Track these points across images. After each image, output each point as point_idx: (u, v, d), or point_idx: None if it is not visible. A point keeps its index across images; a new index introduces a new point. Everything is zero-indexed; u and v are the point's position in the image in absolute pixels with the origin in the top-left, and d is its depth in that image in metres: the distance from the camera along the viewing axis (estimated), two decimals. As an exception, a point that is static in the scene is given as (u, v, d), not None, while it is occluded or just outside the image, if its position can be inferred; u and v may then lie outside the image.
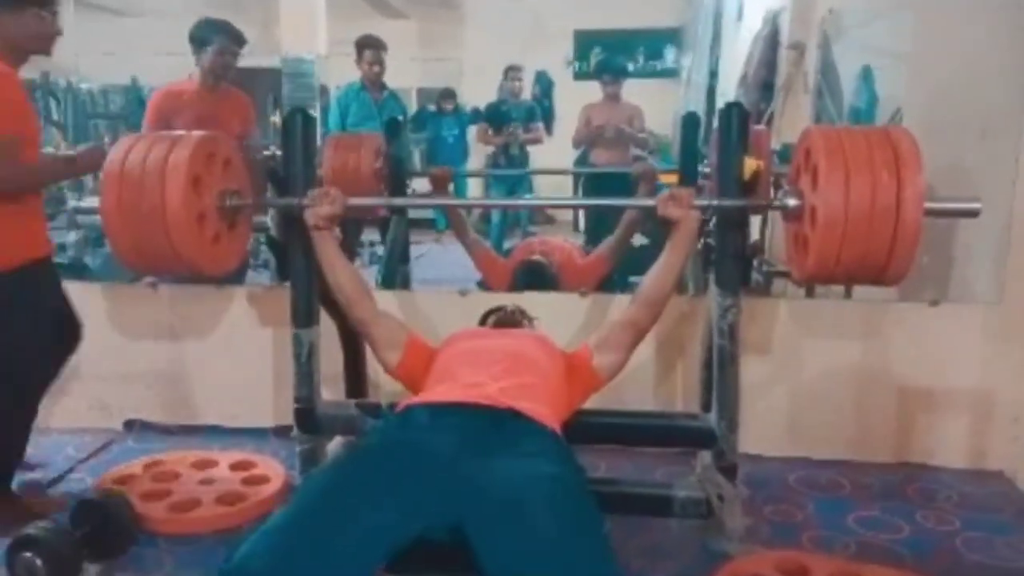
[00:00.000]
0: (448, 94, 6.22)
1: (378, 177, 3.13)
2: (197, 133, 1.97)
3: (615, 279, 3.27)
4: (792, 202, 1.90)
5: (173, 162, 1.86)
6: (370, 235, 3.97)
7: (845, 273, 1.80)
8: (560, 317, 2.70)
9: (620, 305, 2.84)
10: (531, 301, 2.58)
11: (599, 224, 3.95)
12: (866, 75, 3.92)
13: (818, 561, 2.05)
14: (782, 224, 2.06)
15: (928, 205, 1.70)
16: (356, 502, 1.44)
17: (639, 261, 3.27)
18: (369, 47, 4.10)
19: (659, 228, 2.12)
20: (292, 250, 2.24)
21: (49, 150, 2.61)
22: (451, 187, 3.76)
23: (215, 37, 3.16)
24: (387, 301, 3.00)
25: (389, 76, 4.27)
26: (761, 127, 4.21)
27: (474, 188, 5.19)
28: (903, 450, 2.78)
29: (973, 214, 1.84)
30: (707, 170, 3.14)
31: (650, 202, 2.02)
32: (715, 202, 2.07)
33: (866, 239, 1.71)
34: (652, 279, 1.99)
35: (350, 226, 3.54)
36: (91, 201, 1.99)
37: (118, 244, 1.91)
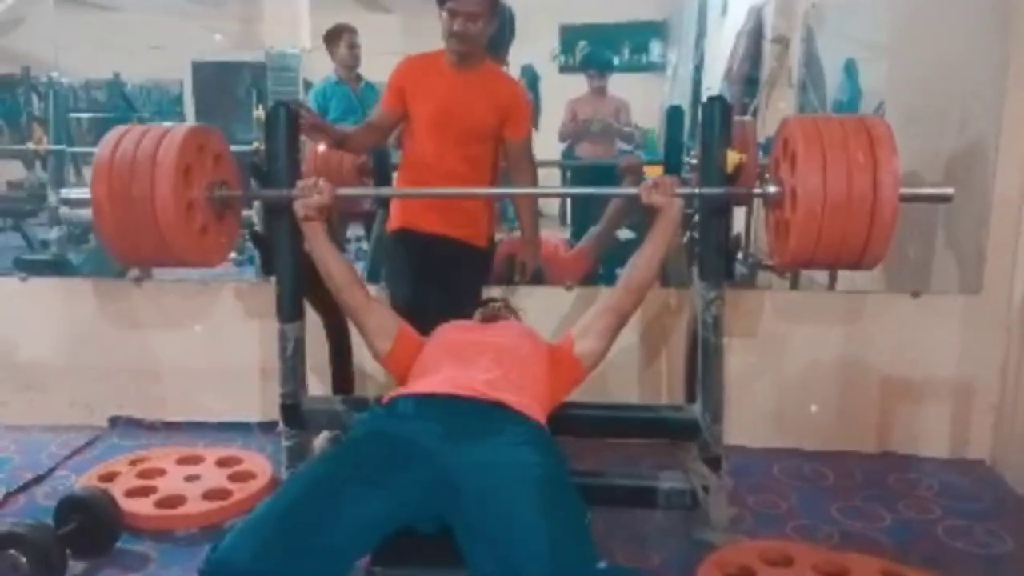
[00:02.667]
0: None
1: (362, 171, 3.12)
2: (187, 124, 1.97)
3: (601, 273, 3.28)
4: (772, 189, 1.94)
5: (163, 151, 1.86)
6: (355, 230, 3.96)
7: (825, 256, 1.83)
8: (546, 310, 2.71)
9: (602, 296, 2.86)
10: (517, 294, 2.59)
11: (586, 217, 3.95)
12: (849, 68, 3.94)
13: (802, 550, 2.08)
14: (764, 215, 2.08)
15: (903, 191, 1.75)
16: (340, 493, 1.45)
17: (625, 255, 3.29)
18: (346, 31, 4.05)
19: (644, 220, 2.13)
20: (277, 245, 2.24)
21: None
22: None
23: None
24: (372, 293, 3.01)
25: (374, 70, 4.23)
26: (747, 118, 4.23)
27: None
28: (885, 440, 2.81)
29: (946, 199, 1.91)
30: (693, 162, 3.16)
31: (634, 191, 2.04)
32: (698, 190, 2.09)
33: (844, 221, 1.76)
34: (635, 265, 2.01)
35: (335, 220, 3.53)
36: (80, 192, 1.97)
37: (107, 233, 1.91)
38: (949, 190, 1.89)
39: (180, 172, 1.88)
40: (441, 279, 2.48)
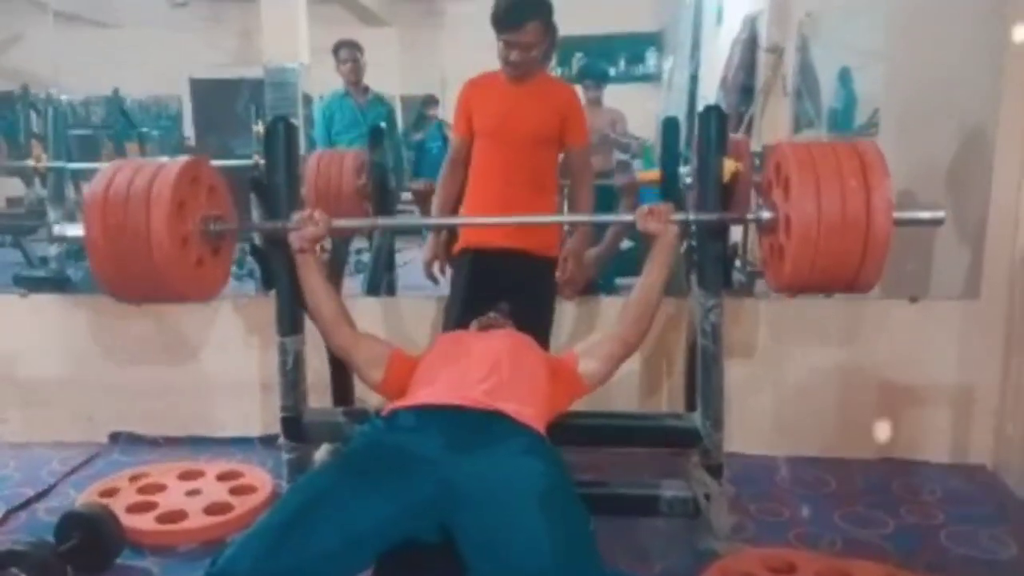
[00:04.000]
0: (431, 101, 6.20)
1: (361, 194, 3.12)
2: (180, 159, 1.97)
3: (600, 283, 3.29)
4: (766, 215, 1.95)
5: (158, 187, 1.85)
6: (358, 242, 3.97)
7: (820, 280, 1.85)
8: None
9: (606, 307, 2.87)
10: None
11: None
12: (844, 77, 3.97)
13: (805, 558, 2.07)
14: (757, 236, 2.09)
15: (896, 215, 1.77)
16: (342, 505, 1.44)
17: (625, 263, 3.30)
18: (344, 47, 4.09)
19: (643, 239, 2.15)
20: (276, 260, 2.24)
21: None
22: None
23: None
24: (372, 307, 3.01)
25: (372, 83, 4.26)
26: (740, 136, 4.24)
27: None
28: (886, 446, 2.81)
29: (938, 223, 1.94)
30: (688, 175, 3.17)
31: (629, 217, 2.06)
32: (693, 216, 2.12)
33: (839, 245, 1.77)
34: (637, 296, 2.02)
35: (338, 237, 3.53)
36: (74, 229, 1.96)
37: (101, 270, 1.90)
38: (940, 213, 1.92)
39: (175, 207, 1.87)
40: (515, 298, 2.30)
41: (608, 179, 3.78)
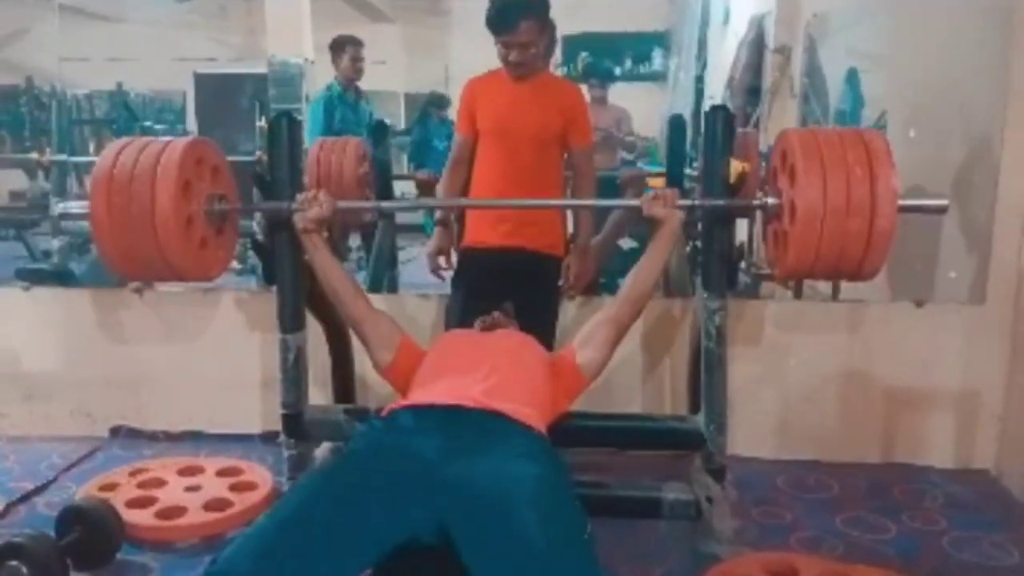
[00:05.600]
0: (438, 100, 6.15)
1: (363, 183, 3.11)
2: (185, 138, 1.97)
3: (603, 282, 3.27)
4: (771, 201, 1.95)
5: (163, 166, 1.86)
6: (353, 240, 3.95)
7: (824, 267, 1.84)
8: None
9: (605, 304, 2.85)
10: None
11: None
12: (851, 78, 3.95)
13: (807, 562, 2.06)
14: (761, 225, 2.08)
15: (900, 202, 1.76)
16: (341, 506, 1.44)
17: (627, 264, 3.28)
18: (350, 43, 4.09)
19: (646, 230, 2.14)
20: (278, 255, 2.23)
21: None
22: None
23: None
24: (374, 304, 3.00)
25: (377, 80, 4.25)
26: (750, 129, 4.23)
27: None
28: (890, 450, 2.79)
29: (941, 210, 1.94)
30: (695, 173, 3.16)
31: (635, 202, 2.05)
32: (698, 201, 2.09)
33: (843, 233, 1.77)
34: (635, 276, 2.03)
35: (335, 233, 3.51)
36: (79, 205, 1.97)
37: (106, 248, 1.90)
38: (943, 201, 1.93)
39: (180, 187, 1.88)
40: (519, 297, 2.26)
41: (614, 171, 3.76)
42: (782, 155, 1.92)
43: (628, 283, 2.04)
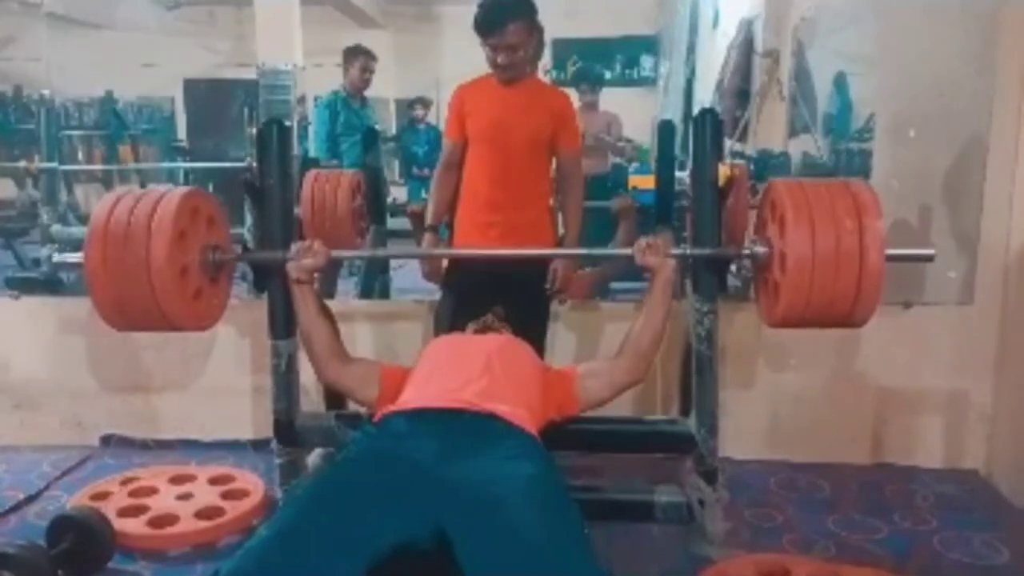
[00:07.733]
0: (419, 102, 6.13)
1: (357, 216, 3.09)
2: (182, 189, 1.97)
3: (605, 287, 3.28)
4: (761, 250, 1.96)
5: (159, 218, 1.85)
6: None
7: (814, 315, 1.87)
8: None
9: (601, 312, 2.86)
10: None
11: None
12: (840, 81, 3.98)
13: (799, 563, 2.07)
14: (752, 273, 2.11)
15: (888, 252, 1.80)
16: (337, 514, 1.44)
17: (622, 269, 3.29)
18: (363, 54, 4.16)
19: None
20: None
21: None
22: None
23: None
24: (365, 310, 3.00)
25: (369, 87, 4.30)
26: (739, 164, 4.24)
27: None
28: (880, 451, 2.81)
29: (928, 259, 2.02)
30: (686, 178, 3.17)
31: (627, 251, 2.06)
32: (690, 251, 2.14)
33: (833, 282, 1.80)
34: (639, 332, 2.00)
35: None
36: (74, 257, 1.96)
37: (100, 299, 1.89)
38: (930, 251, 2.01)
39: (176, 238, 1.87)
40: (508, 304, 2.27)
41: (605, 179, 3.76)
42: (771, 205, 1.95)
43: (632, 338, 2.00)
